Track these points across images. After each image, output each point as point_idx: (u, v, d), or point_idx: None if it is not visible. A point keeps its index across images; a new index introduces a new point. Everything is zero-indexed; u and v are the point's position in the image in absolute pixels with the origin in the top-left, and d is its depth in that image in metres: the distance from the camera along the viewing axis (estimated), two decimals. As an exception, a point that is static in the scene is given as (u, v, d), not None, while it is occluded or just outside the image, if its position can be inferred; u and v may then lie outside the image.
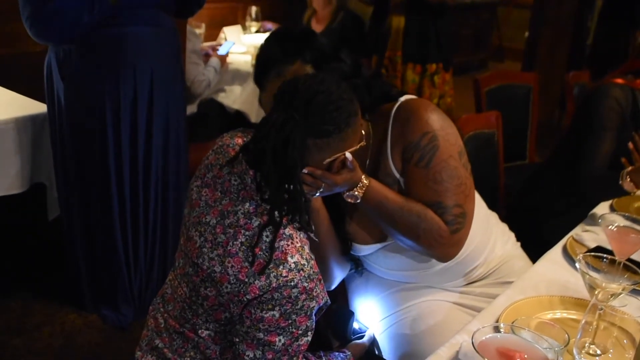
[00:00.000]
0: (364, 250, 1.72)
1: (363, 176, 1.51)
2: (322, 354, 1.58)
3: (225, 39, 4.20)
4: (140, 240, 2.72)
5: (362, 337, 1.73)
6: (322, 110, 1.31)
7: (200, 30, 4.16)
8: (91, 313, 2.82)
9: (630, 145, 2.19)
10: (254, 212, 1.36)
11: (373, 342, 1.77)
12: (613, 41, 5.31)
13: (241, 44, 4.46)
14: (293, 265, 1.30)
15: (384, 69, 3.87)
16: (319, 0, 4.44)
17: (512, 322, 1.25)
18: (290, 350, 1.37)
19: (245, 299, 1.32)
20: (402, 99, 1.63)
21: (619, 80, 2.40)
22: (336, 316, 1.74)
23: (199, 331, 1.44)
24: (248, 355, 1.37)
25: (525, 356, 1.10)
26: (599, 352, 1.32)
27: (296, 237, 1.35)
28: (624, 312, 1.37)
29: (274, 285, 1.29)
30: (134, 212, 2.67)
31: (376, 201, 1.53)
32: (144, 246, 2.73)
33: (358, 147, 1.42)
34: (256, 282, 1.30)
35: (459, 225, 1.56)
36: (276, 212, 1.32)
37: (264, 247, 1.31)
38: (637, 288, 1.43)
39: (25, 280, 3.00)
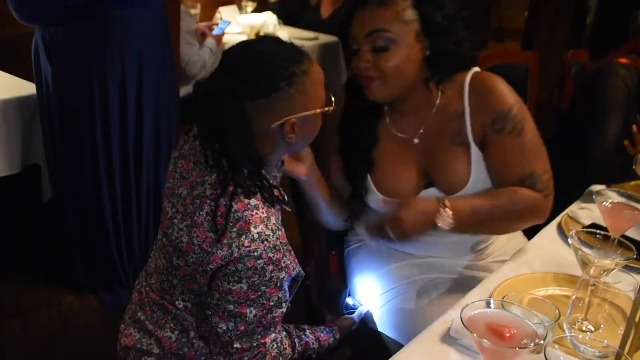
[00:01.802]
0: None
1: (440, 203, 1.53)
2: (305, 327, 1.58)
3: (221, 19, 4.17)
4: (134, 222, 2.71)
5: (354, 312, 1.73)
6: (256, 70, 1.30)
7: (196, 11, 4.12)
8: (88, 294, 2.82)
9: (634, 127, 2.15)
10: (220, 182, 1.34)
11: (365, 318, 1.76)
12: (613, 20, 5.26)
13: (237, 24, 4.43)
14: (256, 236, 1.28)
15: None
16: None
17: (503, 298, 1.24)
18: (264, 322, 1.37)
19: (208, 269, 1.31)
20: (475, 70, 1.71)
21: (623, 60, 2.35)
22: (330, 290, 1.75)
23: (176, 302, 1.45)
24: (221, 328, 1.37)
25: (515, 331, 1.09)
26: (591, 327, 1.32)
27: (262, 207, 1.33)
28: (617, 288, 1.36)
29: (235, 255, 1.28)
30: (126, 194, 2.65)
31: (468, 219, 1.56)
32: (137, 228, 2.73)
33: (319, 111, 1.39)
34: (218, 252, 1.29)
35: (549, 189, 1.65)
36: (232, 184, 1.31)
37: (228, 218, 1.29)
38: (630, 264, 1.43)
39: (22, 262, 3.01)
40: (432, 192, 1.69)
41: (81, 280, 2.82)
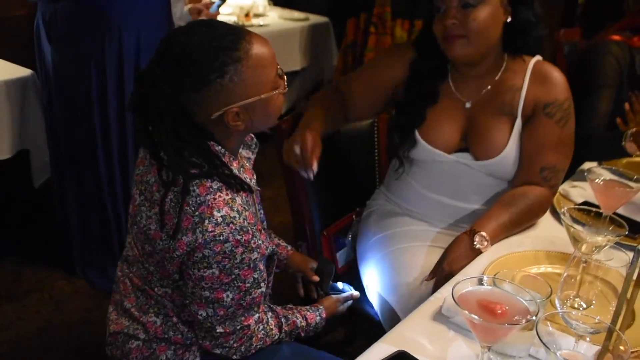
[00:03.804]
0: (432, 154, 1.80)
1: (476, 237, 1.61)
2: (292, 306, 1.58)
3: (211, 1, 4.12)
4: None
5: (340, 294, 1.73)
6: (182, 64, 1.24)
7: (185, -8, 4.07)
8: (80, 278, 2.82)
9: (627, 105, 2.15)
10: (162, 178, 1.30)
11: (356, 302, 1.76)
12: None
13: (227, 5, 4.38)
14: (220, 219, 1.25)
15: (372, 26, 3.78)
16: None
17: (495, 275, 1.23)
18: (244, 304, 1.36)
19: (175, 255, 1.29)
20: (539, 58, 1.81)
21: (616, 37, 2.34)
22: (319, 270, 1.74)
23: (155, 289, 1.43)
24: (201, 315, 1.36)
25: (506, 308, 1.09)
26: (583, 304, 1.32)
27: (225, 189, 1.29)
28: (608, 264, 1.35)
29: (200, 241, 1.25)
30: (124, 176, 2.64)
31: (501, 235, 1.67)
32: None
33: (265, 96, 1.31)
34: (183, 237, 1.26)
35: (557, 181, 1.78)
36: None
37: (190, 202, 1.26)
38: (622, 241, 1.42)
39: (14, 247, 3.00)
40: (465, 156, 1.79)
41: (74, 263, 2.81)
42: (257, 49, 1.28)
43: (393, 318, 1.69)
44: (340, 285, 1.76)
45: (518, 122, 1.76)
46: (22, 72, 2.66)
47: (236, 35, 1.27)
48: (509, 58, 1.81)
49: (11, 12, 2.57)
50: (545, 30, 1.78)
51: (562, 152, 1.76)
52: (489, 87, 1.80)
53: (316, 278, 1.73)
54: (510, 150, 1.76)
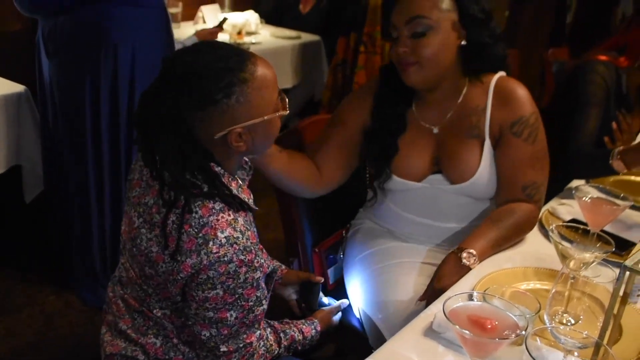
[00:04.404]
0: (406, 185, 1.81)
1: (464, 254, 1.61)
2: (288, 321, 1.59)
3: (203, 19, 4.16)
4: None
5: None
6: (190, 82, 1.25)
7: (177, 10, 4.12)
8: (71, 293, 2.82)
9: (614, 124, 2.18)
10: (163, 197, 1.30)
11: (345, 312, 1.78)
12: (593, 19, 5.32)
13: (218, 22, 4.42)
14: (224, 240, 1.26)
15: (362, 46, 3.82)
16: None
17: (485, 291, 1.25)
18: (246, 322, 1.37)
19: (179, 278, 1.29)
20: (502, 74, 1.80)
21: (603, 57, 2.38)
22: (304, 288, 1.76)
23: (154, 310, 1.42)
24: (205, 335, 1.36)
25: (496, 323, 1.11)
26: (571, 320, 1.34)
27: (228, 210, 1.30)
28: (596, 281, 1.38)
29: (205, 262, 1.25)
30: (115, 194, 2.65)
31: (489, 252, 1.68)
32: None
33: (267, 118, 1.32)
34: (187, 260, 1.26)
35: (542, 200, 1.80)
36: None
37: (193, 224, 1.27)
38: (609, 258, 1.45)
39: (4, 262, 2.99)
40: (438, 178, 1.79)
41: (68, 278, 2.81)
42: (262, 70, 1.30)
43: (378, 336, 1.71)
44: (326, 300, 1.78)
45: (487, 144, 1.76)
46: (15, 88, 2.68)
47: (241, 57, 1.28)
48: (469, 80, 1.80)
49: (7, 27, 2.58)
50: (505, 49, 1.79)
51: (538, 167, 1.76)
52: (453, 110, 1.80)
53: (320, 279, 1.75)
54: (483, 171, 1.75)
